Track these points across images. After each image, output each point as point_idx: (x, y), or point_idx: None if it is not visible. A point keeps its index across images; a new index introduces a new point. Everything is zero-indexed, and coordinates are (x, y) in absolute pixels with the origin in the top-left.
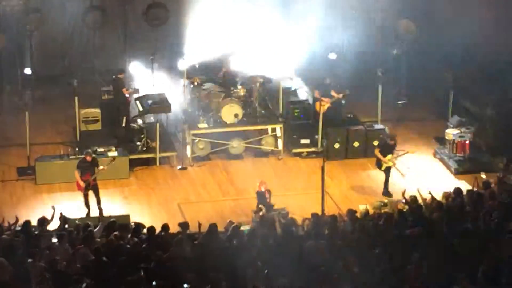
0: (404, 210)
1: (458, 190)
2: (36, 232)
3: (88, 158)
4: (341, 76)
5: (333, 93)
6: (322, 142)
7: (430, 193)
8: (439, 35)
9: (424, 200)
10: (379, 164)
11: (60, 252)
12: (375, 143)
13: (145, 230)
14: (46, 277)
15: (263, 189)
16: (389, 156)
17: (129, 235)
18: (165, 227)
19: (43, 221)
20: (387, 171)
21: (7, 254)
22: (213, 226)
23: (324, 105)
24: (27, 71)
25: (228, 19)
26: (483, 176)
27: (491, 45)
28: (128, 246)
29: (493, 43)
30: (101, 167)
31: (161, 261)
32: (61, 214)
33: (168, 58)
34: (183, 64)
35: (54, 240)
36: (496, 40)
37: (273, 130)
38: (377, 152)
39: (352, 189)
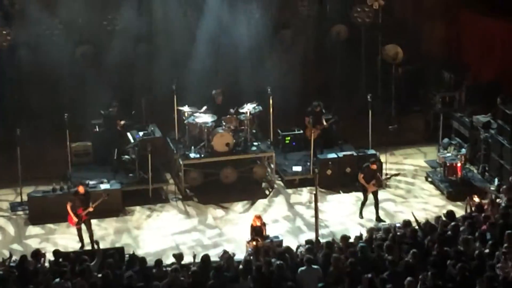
0: (399, 234)
1: (451, 213)
2: (31, 268)
3: (81, 190)
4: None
5: (324, 121)
6: (314, 169)
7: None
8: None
9: (418, 223)
10: (364, 190)
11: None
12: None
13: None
14: None
15: (258, 223)
16: (374, 181)
17: (124, 267)
18: (158, 262)
19: (37, 254)
20: (375, 195)
21: None
22: (206, 257)
23: (314, 132)
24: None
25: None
26: (476, 199)
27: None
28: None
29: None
30: (90, 208)
31: None
32: (55, 250)
33: (159, 89)
34: (173, 95)
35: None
36: None
37: (265, 158)
38: (360, 178)
39: (346, 215)
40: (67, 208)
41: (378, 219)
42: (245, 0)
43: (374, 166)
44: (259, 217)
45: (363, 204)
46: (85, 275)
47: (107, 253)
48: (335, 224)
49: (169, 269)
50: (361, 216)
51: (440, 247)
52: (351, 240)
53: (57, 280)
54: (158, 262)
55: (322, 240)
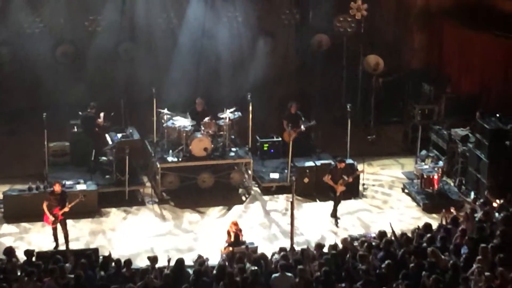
0: (374, 244)
1: (427, 225)
2: (3, 266)
3: (57, 188)
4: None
5: (301, 125)
6: (291, 177)
7: (393, 232)
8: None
9: (394, 234)
10: (333, 191)
11: (28, 286)
12: (345, 177)
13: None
14: None
15: (234, 229)
16: (341, 181)
17: (98, 268)
18: (128, 262)
19: (10, 252)
20: (340, 196)
21: None
22: (180, 260)
23: (291, 135)
24: None
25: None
26: (452, 211)
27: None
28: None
29: None
30: (66, 208)
31: None
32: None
33: (139, 91)
34: (153, 98)
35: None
36: None
37: (243, 164)
38: (328, 179)
39: (322, 223)
40: (43, 207)
41: (334, 215)
42: (227, 6)
43: (342, 165)
44: (235, 223)
45: (335, 205)
46: (56, 273)
47: (82, 254)
48: (310, 232)
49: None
50: (335, 218)
51: (415, 259)
52: (325, 249)
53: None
54: (127, 262)
55: (297, 248)
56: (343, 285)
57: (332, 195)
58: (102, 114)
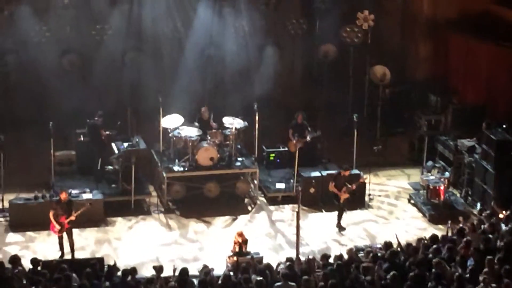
0: (379, 255)
1: (433, 237)
2: (9, 275)
3: (64, 196)
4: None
5: (307, 135)
6: (297, 187)
7: (399, 242)
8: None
9: (400, 245)
10: (337, 199)
11: None
12: (349, 185)
13: (119, 273)
14: None
15: (240, 239)
16: (345, 188)
17: (103, 278)
18: (133, 270)
19: (15, 260)
20: (344, 204)
21: None
22: (185, 270)
23: (296, 145)
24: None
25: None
26: (461, 220)
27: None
28: None
29: None
30: (72, 217)
31: None
32: (33, 258)
33: (146, 100)
34: (159, 107)
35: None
36: None
37: (249, 174)
38: (332, 187)
39: (328, 233)
40: (49, 216)
41: (339, 226)
42: (234, 15)
43: (346, 173)
44: (241, 234)
45: (340, 213)
46: (62, 283)
47: (86, 263)
48: (316, 243)
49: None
50: (340, 227)
51: (420, 270)
52: (331, 259)
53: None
54: (132, 271)
55: (303, 258)
56: None
57: (336, 202)
58: (106, 133)
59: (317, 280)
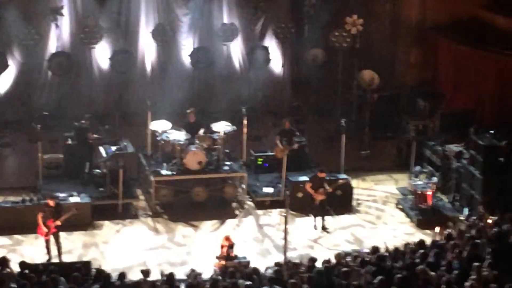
0: (367, 259)
1: (421, 243)
2: None
3: (51, 203)
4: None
5: (294, 142)
6: (285, 191)
7: (387, 250)
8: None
9: (387, 250)
10: (311, 199)
11: None
12: (338, 192)
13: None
14: None
15: (227, 243)
16: (321, 190)
17: (91, 282)
18: (121, 275)
19: (3, 261)
20: (322, 205)
21: None
22: (172, 275)
23: (283, 152)
24: None
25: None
26: (450, 225)
27: None
28: None
29: None
30: (58, 222)
31: None
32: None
33: (132, 104)
34: (147, 111)
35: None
36: None
37: (237, 178)
38: (308, 187)
39: (316, 238)
40: (37, 218)
41: (324, 228)
42: (223, 19)
43: (323, 175)
44: (227, 238)
45: (315, 213)
46: (49, 286)
47: (70, 267)
48: (304, 247)
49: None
50: (315, 227)
51: (407, 274)
52: (318, 263)
53: None
54: (121, 275)
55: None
56: None
57: (311, 203)
58: (94, 136)
59: (302, 282)
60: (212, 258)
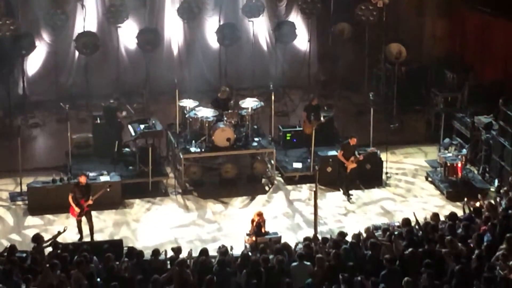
0: (397, 232)
1: (453, 215)
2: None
3: (83, 180)
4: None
5: (321, 117)
6: (314, 166)
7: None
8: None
9: (418, 224)
10: (344, 168)
11: (54, 278)
12: (368, 166)
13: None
14: None
15: (258, 219)
16: (352, 158)
17: (123, 260)
18: (155, 252)
19: (38, 239)
20: (352, 174)
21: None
22: (204, 251)
23: (312, 127)
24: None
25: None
26: (479, 199)
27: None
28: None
29: None
30: (90, 201)
31: (158, 284)
32: (53, 240)
33: (162, 82)
34: (175, 89)
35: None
36: None
37: (266, 154)
38: (340, 155)
39: (345, 212)
40: (68, 199)
41: (347, 194)
42: None
43: (354, 141)
44: (259, 214)
45: (346, 182)
46: (82, 265)
47: (99, 246)
48: (333, 222)
49: (165, 260)
50: (347, 195)
51: (438, 247)
52: (349, 237)
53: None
54: (155, 252)
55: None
56: (359, 278)
57: (343, 172)
58: (123, 114)
59: (330, 258)
60: (243, 234)
